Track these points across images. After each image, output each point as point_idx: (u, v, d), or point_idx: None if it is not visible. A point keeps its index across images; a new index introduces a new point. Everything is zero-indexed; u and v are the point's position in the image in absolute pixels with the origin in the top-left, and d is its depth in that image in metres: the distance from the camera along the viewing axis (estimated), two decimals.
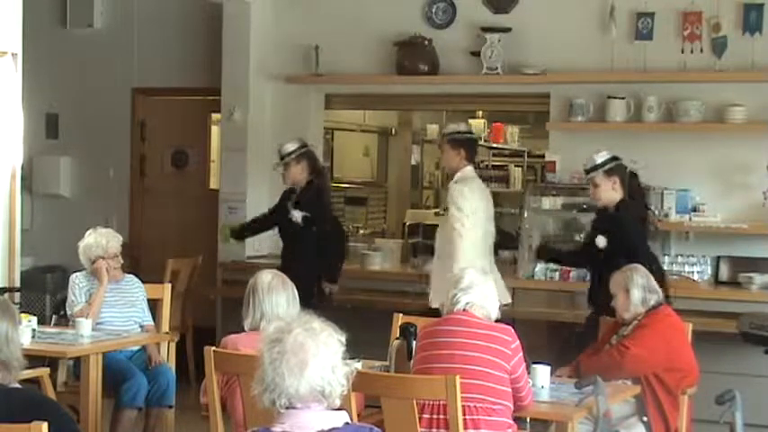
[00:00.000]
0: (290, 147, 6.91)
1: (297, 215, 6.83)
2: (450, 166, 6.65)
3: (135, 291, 6.22)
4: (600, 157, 6.03)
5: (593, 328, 5.82)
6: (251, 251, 8.23)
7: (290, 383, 2.81)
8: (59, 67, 9.53)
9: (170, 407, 5.99)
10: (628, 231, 5.95)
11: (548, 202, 7.44)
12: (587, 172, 6.05)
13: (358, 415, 4.23)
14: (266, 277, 4.59)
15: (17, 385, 3.41)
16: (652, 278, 5.35)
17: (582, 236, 7.27)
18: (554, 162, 7.57)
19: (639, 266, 5.49)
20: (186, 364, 7.93)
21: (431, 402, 4.18)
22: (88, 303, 6.01)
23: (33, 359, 4.92)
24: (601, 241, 5.93)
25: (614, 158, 6.05)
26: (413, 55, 8.05)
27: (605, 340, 5.44)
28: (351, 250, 8.36)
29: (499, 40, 7.80)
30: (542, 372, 4.69)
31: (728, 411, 4.80)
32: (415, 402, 4.06)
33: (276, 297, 4.53)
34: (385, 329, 5.43)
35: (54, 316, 6.65)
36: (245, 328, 4.56)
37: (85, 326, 5.69)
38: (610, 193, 6.00)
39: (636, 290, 5.24)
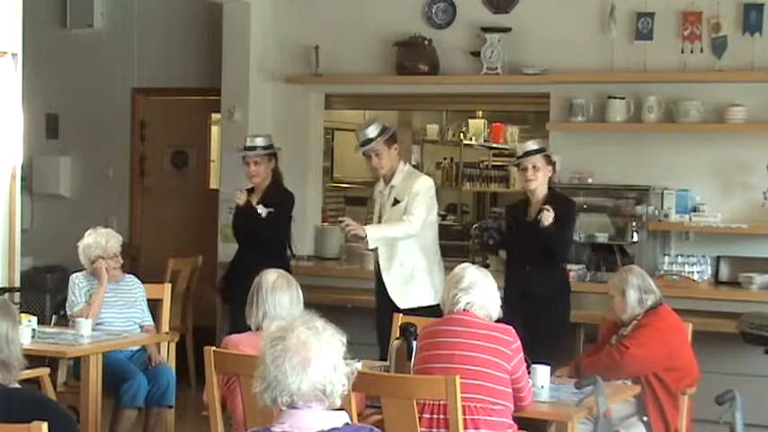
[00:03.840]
0: None
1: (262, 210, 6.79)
2: (391, 166, 6.25)
3: (135, 291, 6.22)
4: (536, 143, 6.16)
5: None
6: None
7: (292, 381, 2.81)
8: (59, 67, 9.53)
9: (170, 407, 5.99)
10: (569, 211, 6.17)
11: None
12: (528, 154, 6.07)
13: (358, 415, 4.23)
14: (271, 277, 4.58)
15: (17, 385, 3.41)
16: (648, 278, 5.36)
17: (581, 236, 7.30)
18: (554, 162, 7.54)
19: (635, 267, 5.53)
20: (186, 364, 7.93)
21: (431, 402, 4.17)
22: (88, 303, 6.01)
23: (33, 359, 4.91)
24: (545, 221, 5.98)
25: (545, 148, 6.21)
26: (413, 55, 8.05)
27: (605, 340, 5.44)
28: (351, 250, 8.36)
29: (499, 40, 7.80)
30: (542, 372, 4.69)
31: (728, 411, 4.80)
32: (415, 402, 4.06)
33: (279, 297, 4.52)
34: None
35: (54, 316, 6.65)
36: (251, 328, 4.56)
37: (85, 326, 5.69)
38: (545, 179, 6.10)
39: (631, 291, 5.25)
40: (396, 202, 6.21)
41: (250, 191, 6.89)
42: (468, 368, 4.19)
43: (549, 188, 6.14)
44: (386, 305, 6.11)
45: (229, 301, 6.97)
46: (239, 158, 6.96)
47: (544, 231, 5.91)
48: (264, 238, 6.69)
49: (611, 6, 7.49)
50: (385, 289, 6.21)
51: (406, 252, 6.20)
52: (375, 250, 6.29)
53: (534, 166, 6.05)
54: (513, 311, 5.92)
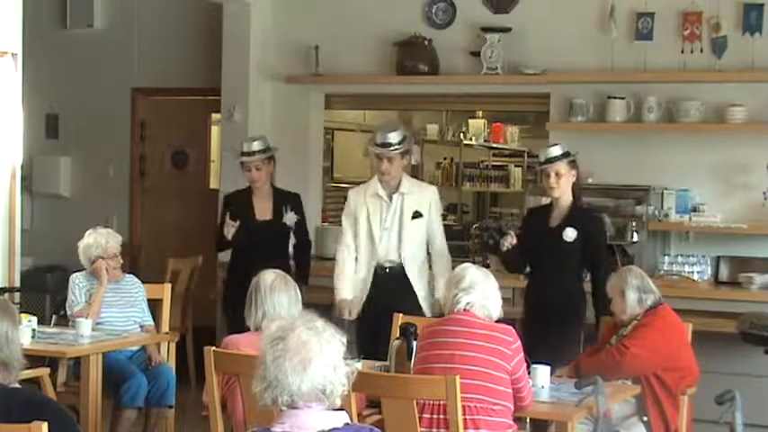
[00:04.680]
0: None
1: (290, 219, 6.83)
2: (398, 176, 6.21)
3: (135, 291, 6.22)
4: (560, 148, 5.97)
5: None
6: None
7: (292, 381, 2.82)
8: (59, 67, 9.53)
9: (170, 407, 6.00)
10: (604, 231, 6.08)
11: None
12: (550, 161, 5.91)
13: (358, 415, 4.23)
14: (269, 277, 4.59)
15: (17, 385, 3.41)
16: (647, 278, 5.36)
17: None
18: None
19: (634, 267, 5.53)
20: (186, 364, 7.93)
21: (431, 402, 4.18)
22: (88, 303, 6.01)
23: (33, 359, 4.92)
24: (570, 234, 5.87)
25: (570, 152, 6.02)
26: (413, 55, 8.05)
27: (605, 340, 5.44)
28: None
29: (499, 40, 7.80)
30: (542, 372, 4.69)
31: (728, 411, 4.80)
32: (415, 402, 4.06)
33: (278, 297, 4.53)
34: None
35: (54, 316, 6.65)
36: (250, 328, 4.56)
37: (85, 326, 5.69)
38: (569, 185, 5.95)
39: (631, 291, 5.25)
40: (417, 214, 6.19)
41: (246, 192, 6.85)
42: (468, 368, 4.19)
43: (575, 197, 5.98)
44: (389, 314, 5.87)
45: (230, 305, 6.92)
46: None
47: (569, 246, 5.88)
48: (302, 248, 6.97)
49: (611, 6, 7.49)
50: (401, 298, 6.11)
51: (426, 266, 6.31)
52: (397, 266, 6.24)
53: (557, 173, 5.89)
54: (528, 317, 5.96)
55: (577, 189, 6.03)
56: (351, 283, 6.27)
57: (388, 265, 6.23)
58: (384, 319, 5.82)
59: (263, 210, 6.82)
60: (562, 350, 5.57)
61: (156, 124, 9.57)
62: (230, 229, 6.67)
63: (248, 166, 6.73)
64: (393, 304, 5.99)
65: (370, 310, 6.21)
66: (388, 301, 6.08)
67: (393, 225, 6.22)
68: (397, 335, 4.83)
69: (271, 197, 6.83)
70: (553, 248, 5.92)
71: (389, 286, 6.21)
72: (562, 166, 5.92)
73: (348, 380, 2.89)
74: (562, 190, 5.94)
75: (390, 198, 6.22)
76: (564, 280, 5.94)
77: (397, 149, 6.11)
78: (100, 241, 6.09)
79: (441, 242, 6.31)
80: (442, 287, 5.95)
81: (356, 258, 6.28)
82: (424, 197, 6.26)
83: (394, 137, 6.12)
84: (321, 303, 6.20)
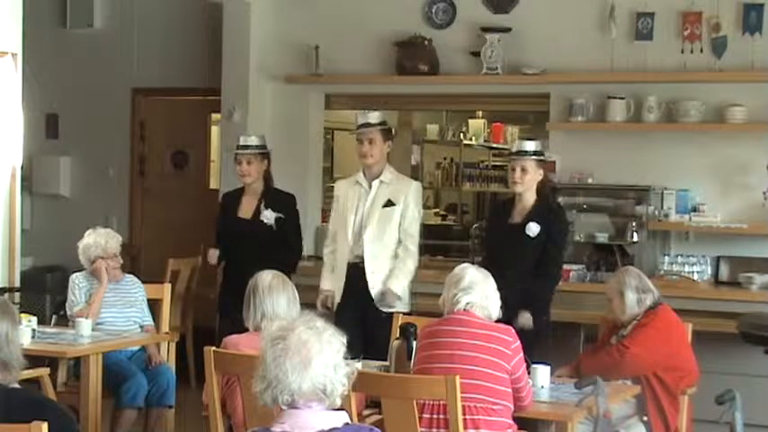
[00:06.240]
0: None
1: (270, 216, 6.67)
2: (379, 161, 6.10)
3: (135, 291, 6.22)
4: (535, 145, 5.84)
5: None
6: None
7: (292, 380, 2.82)
8: (59, 67, 9.54)
9: (170, 407, 6.00)
10: (565, 225, 5.93)
11: None
12: (519, 153, 5.78)
13: (358, 415, 4.23)
14: (266, 277, 4.59)
15: (17, 385, 3.41)
16: (645, 277, 5.36)
17: (581, 236, 7.30)
18: (554, 162, 7.53)
19: (631, 268, 5.53)
20: (186, 364, 7.93)
21: (431, 402, 4.18)
22: (88, 303, 6.01)
23: (33, 359, 4.92)
24: (533, 228, 5.72)
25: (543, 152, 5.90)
26: (413, 55, 8.05)
27: (605, 340, 5.45)
28: None
29: (499, 40, 7.80)
30: (542, 372, 4.69)
31: (728, 411, 4.81)
32: (415, 402, 4.06)
33: (276, 297, 4.53)
34: None
35: (54, 316, 6.65)
36: (249, 329, 4.56)
37: (85, 326, 5.69)
38: (533, 182, 5.79)
39: (629, 292, 5.26)
40: (389, 203, 6.06)
41: (240, 192, 6.84)
42: (468, 368, 4.19)
43: (545, 194, 5.84)
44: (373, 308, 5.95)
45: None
46: None
47: (530, 241, 5.69)
48: (282, 251, 6.51)
49: (611, 6, 7.49)
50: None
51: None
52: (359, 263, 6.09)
53: (523, 169, 5.74)
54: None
55: (543, 188, 5.86)
56: (331, 277, 6.22)
57: (355, 259, 6.11)
58: (345, 316, 5.83)
59: (246, 208, 6.74)
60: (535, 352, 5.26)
61: (156, 124, 9.58)
62: (213, 256, 6.76)
63: (239, 159, 6.71)
64: (352, 301, 6.01)
65: (336, 306, 6.13)
66: (350, 298, 6.06)
67: (365, 213, 6.10)
68: (397, 335, 4.83)
69: (258, 196, 6.70)
70: (518, 247, 5.74)
71: (353, 281, 6.08)
72: (529, 163, 5.77)
73: (348, 380, 2.89)
74: (525, 186, 5.78)
75: (370, 186, 6.13)
76: (527, 278, 5.71)
77: (376, 128, 6.08)
78: (100, 241, 6.09)
79: (411, 241, 6.06)
80: (395, 281, 5.94)
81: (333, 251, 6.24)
82: (402, 190, 6.11)
83: (374, 117, 6.14)
84: None
